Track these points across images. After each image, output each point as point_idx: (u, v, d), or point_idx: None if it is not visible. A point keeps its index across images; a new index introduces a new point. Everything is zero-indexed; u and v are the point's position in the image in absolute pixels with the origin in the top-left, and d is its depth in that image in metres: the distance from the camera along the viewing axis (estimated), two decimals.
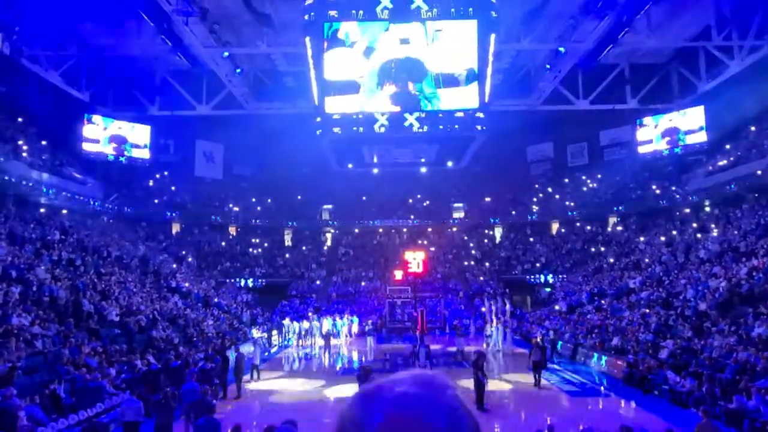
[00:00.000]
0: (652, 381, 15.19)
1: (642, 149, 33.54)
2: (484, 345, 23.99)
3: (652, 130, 32.66)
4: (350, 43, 20.86)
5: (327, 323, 27.85)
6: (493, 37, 20.33)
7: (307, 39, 20.99)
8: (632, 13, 20.39)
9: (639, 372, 16.00)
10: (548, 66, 25.91)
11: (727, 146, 29.96)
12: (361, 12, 20.17)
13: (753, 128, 28.67)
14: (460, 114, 21.02)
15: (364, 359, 22.95)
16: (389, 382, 0.90)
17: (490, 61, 20.64)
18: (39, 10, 22.12)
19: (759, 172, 25.52)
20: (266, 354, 23.80)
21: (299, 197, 42.90)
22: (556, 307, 30.76)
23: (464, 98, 21.07)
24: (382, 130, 21.11)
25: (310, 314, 30.95)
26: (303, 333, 27.94)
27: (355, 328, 30.47)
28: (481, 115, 21.27)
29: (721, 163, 29.58)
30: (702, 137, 30.57)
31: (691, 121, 30.83)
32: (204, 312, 27.07)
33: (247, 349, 21.09)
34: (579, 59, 24.96)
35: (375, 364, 20.07)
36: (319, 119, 21.50)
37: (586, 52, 24.03)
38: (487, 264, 40.42)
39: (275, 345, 27.44)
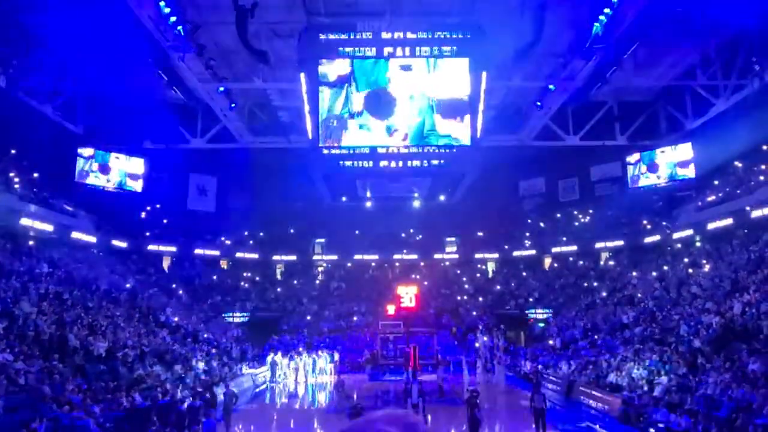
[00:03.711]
0: (647, 419, 14.97)
1: (634, 183, 33.85)
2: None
3: (644, 164, 33.05)
4: None
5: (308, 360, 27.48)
6: (484, 75, 20.72)
7: (302, 75, 21.27)
8: (619, 53, 20.95)
9: (634, 409, 15.79)
10: (539, 103, 26.39)
11: (716, 182, 30.40)
12: (357, 50, 20.46)
13: (740, 164, 29.15)
14: (453, 149, 21.18)
15: (355, 397, 22.51)
16: (366, 420, 0.96)
17: (482, 98, 20.97)
18: (36, 45, 22.40)
19: (747, 208, 25.87)
20: (256, 390, 23.34)
21: (291, 231, 42.79)
22: (550, 343, 30.51)
23: (457, 132, 21.28)
24: (381, 164, 21.10)
25: (300, 350, 30.46)
26: (293, 369, 27.44)
27: (324, 364, 29.49)
28: (472, 150, 21.45)
29: (710, 199, 29.95)
30: (691, 172, 31.02)
31: (680, 156, 31.31)
32: (193, 347, 26.58)
33: (236, 386, 20.64)
34: (569, 97, 25.48)
35: (366, 402, 19.68)
36: (317, 153, 21.59)
37: (576, 89, 24.56)
38: (480, 299, 40.21)
39: (266, 381, 26.90)
